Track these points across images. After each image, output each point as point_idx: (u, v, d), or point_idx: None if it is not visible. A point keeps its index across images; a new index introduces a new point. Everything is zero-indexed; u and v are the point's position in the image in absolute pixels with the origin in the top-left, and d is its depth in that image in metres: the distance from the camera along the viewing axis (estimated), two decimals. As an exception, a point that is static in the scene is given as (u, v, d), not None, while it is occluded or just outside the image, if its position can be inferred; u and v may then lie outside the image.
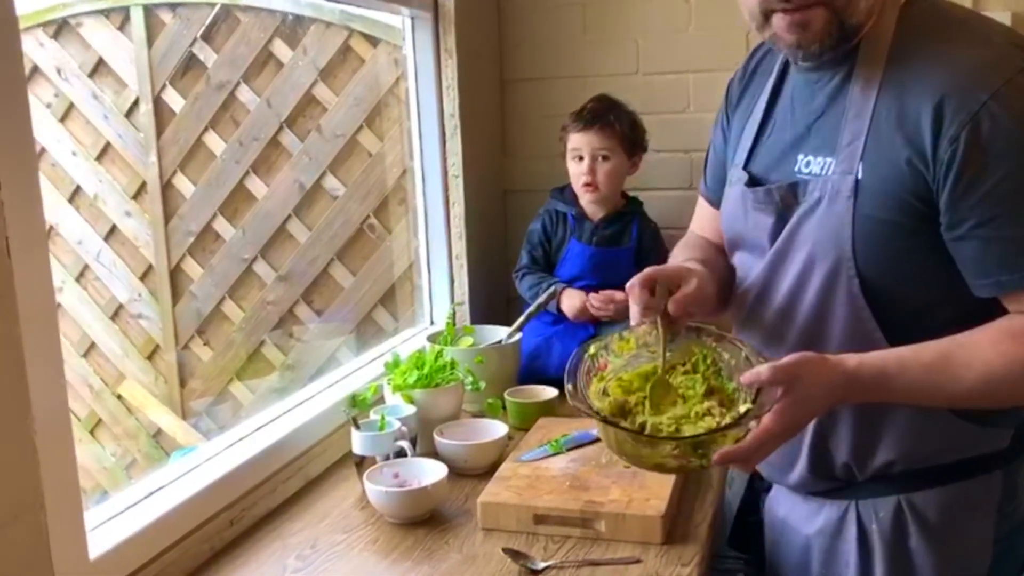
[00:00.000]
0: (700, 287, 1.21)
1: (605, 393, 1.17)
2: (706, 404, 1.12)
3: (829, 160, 1.15)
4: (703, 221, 1.50)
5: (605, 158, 2.10)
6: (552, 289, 2.04)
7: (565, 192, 2.20)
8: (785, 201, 1.20)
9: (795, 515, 1.31)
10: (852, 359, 1.09)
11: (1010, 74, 1.02)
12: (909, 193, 1.08)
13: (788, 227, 1.19)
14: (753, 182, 1.27)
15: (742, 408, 1.10)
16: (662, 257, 2.14)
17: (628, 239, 2.15)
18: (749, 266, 1.29)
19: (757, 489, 1.41)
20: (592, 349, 1.23)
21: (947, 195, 1.05)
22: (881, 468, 1.20)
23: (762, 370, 1.07)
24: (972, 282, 1.09)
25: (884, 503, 1.21)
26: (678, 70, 2.34)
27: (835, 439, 1.22)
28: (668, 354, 1.19)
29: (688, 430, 1.09)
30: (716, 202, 1.41)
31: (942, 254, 1.10)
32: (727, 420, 1.09)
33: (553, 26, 2.43)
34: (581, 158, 2.11)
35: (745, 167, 1.29)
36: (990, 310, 1.10)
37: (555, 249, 2.18)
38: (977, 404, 1.12)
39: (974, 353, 1.07)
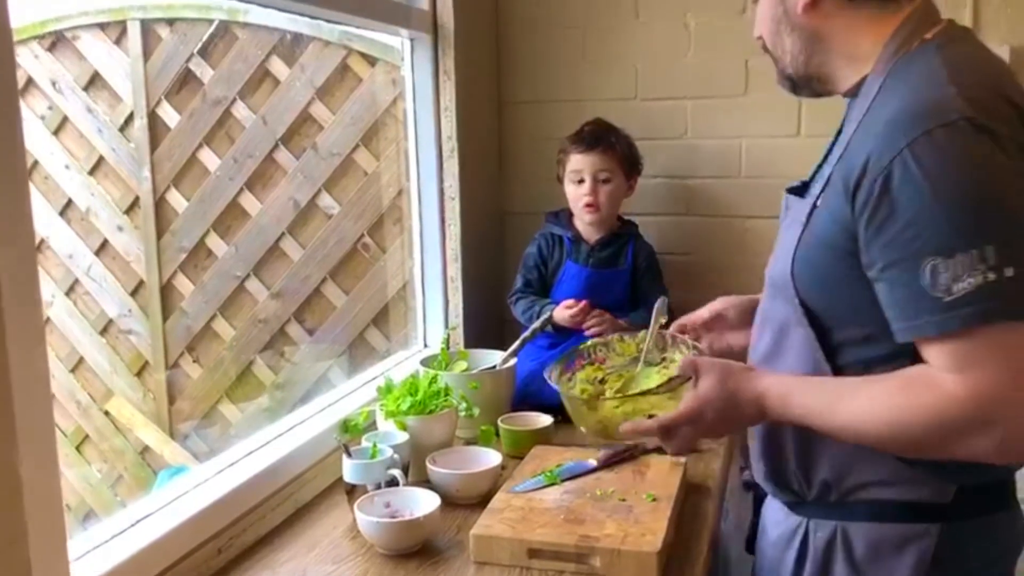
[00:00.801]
0: (712, 309, 1.48)
1: (602, 381, 1.45)
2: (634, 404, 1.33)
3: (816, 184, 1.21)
4: None
5: (606, 180, 2.11)
6: (548, 315, 2.03)
7: (560, 215, 2.21)
8: (782, 213, 1.29)
9: (770, 521, 1.35)
10: (771, 374, 1.20)
11: (932, 125, 1.01)
12: (839, 225, 1.10)
13: (778, 238, 1.28)
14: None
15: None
16: (658, 278, 2.17)
17: (624, 261, 2.16)
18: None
19: (760, 496, 1.43)
20: (589, 343, 1.52)
21: (863, 234, 1.07)
22: (822, 488, 1.22)
23: (684, 360, 1.28)
24: (892, 324, 1.07)
25: (824, 525, 1.23)
26: (676, 96, 2.34)
27: (785, 450, 1.25)
28: (662, 359, 1.47)
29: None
30: None
31: (870, 290, 1.10)
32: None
33: (552, 49, 2.43)
34: (582, 180, 2.11)
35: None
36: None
37: (551, 272, 2.18)
38: (859, 439, 1.12)
39: (866, 389, 1.09)
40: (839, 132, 1.25)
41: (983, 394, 0.99)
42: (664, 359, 1.46)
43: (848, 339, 1.15)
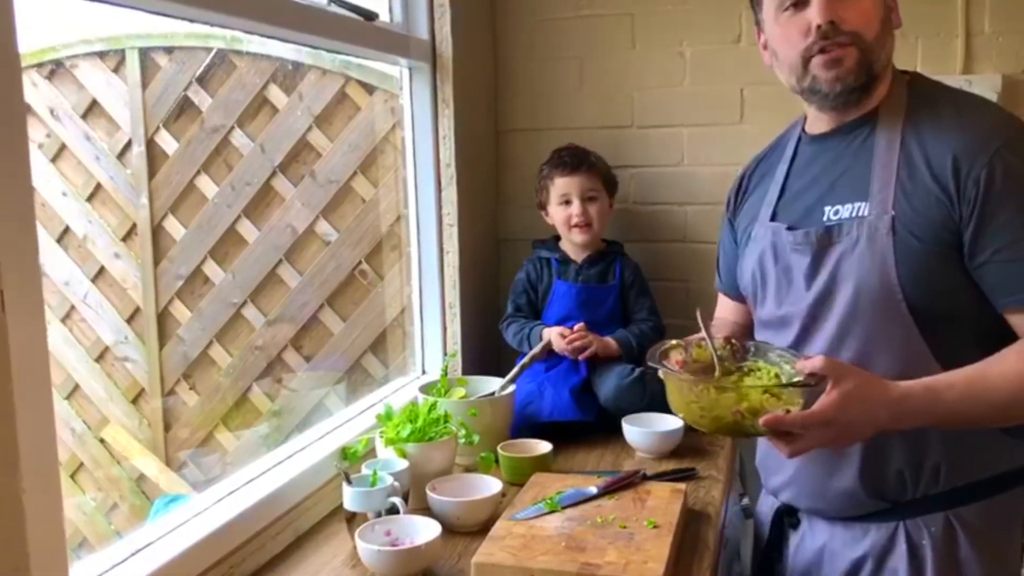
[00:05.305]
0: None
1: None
2: (764, 396, 1.26)
3: (860, 204, 1.34)
4: (725, 311, 1.73)
5: (592, 199, 2.16)
6: (547, 341, 2.04)
7: (547, 241, 2.26)
8: (821, 243, 1.37)
9: (836, 542, 1.42)
10: (902, 383, 1.23)
11: (1012, 132, 1.29)
12: (938, 224, 1.27)
13: (829, 266, 1.36)
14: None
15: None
16: (646, 292, 2.22)
17: (612, 277, 2.21)
18: (777, 310, 1.46)
19: (785, 526, 1.52)
20: (673, 343, 1.44)
21: (973, 226, 1.25)
22: (930, 483, 1.34)
23: (817, 358, 1.22)
24: (999, 301, 1.26)
25: (934, 519, 1.34)
26: (673, 124, 2.36)
27: (888, 454, 1.35)
28: (739, 368, 1.38)
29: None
30: (730, 295, 1.70)
31: (968, 277, 1.28)
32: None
33: (549, 78, 2.45)
34: (569, 202, 2.16)
35: (772, 221, 1.48)
36: None
37: (541, 295, 2.21)
38: (1019, 413, 1.26)
39: (1007, 366, 1.23)
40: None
41: None
42: (740, 367, 1.38)
43: (955, 332, 1.29)
